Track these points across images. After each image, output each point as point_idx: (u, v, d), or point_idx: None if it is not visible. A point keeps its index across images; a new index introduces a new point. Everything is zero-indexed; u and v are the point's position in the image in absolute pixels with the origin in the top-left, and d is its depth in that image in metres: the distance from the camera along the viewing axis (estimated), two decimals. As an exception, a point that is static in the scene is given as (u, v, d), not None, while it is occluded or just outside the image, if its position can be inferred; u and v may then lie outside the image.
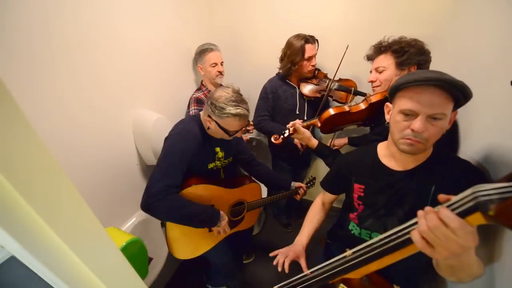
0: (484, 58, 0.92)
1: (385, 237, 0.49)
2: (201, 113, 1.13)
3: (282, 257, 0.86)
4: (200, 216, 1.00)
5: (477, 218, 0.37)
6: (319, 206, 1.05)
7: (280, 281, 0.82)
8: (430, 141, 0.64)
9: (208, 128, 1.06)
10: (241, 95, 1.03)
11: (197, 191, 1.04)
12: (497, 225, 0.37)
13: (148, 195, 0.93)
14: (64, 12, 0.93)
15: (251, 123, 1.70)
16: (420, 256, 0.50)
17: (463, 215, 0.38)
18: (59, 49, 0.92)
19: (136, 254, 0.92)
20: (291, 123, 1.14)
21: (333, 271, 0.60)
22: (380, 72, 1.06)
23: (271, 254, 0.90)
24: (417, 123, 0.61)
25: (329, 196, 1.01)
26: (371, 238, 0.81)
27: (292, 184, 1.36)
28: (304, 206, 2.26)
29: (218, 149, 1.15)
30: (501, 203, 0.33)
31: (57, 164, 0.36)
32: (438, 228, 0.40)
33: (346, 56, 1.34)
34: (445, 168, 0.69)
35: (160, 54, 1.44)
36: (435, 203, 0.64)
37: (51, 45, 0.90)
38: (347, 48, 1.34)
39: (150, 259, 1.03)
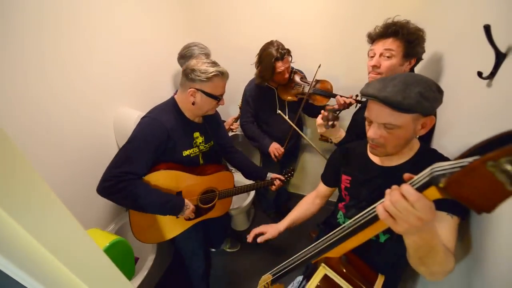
0: (453, 50, 0.97)
1: (358, 217, 0.56)
2: (176, 95, 1.08)
3: (252, 232, 0.98)
4: (162, 206, 0.98)
5: (433, 192, 0.41)
6: (310, 197, 1.06)
7: (266, 272, 0.85)
8: (389, 147, 0.67)
9: (193, 103, 1.01)
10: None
11: (164, 176, 1.01)
12: (450, 198, 0.40)
13: (103, 178, 0.90)
14: (42, 13, 0.89)
15: (234, 122, 1.70)
16: (404, 250, 0.55)
17: (420, 189, 0.42)
18: (37, 49, 0.88)
19: (121, 254, 0.91)
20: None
21: (315, 251, 0.68)
22: (388, 57, 0.94)
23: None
24: (369, 130, 0.68)
25: (324, 189, 1.01)
26: None
27: (268, 175, 1.37)
28: (293, 200, 2.32)
29: (197, 134, 1.12)
30: (450, 176, 0.37)
31: (30, 165, 0.35)
32: (398, 201, 0.43)
33: (325, 54, 1.36)
34: (426, 166, 0.70)
35: (141, 51, 1.40)
36: None
37: (27, 44, 0.86)
38: (319, 67, 1.38)
39: (137, 259, 1.02)
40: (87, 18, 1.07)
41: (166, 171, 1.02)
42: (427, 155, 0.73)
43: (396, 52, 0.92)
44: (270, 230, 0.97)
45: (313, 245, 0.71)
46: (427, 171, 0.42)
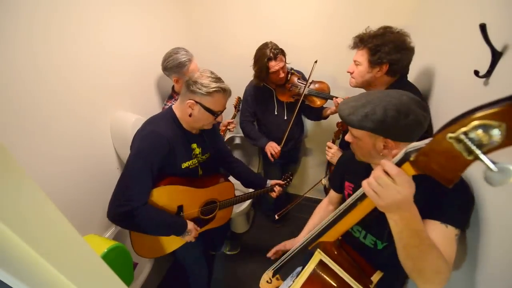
0: (449, 49, 0.98)
1: (347, 201, 0.60)
2: (175, 105, 1.06)
3: (274, 249, 1.03)
4: (167, 230, 1.02)
5: (407, 168, 0.45)
6: (323, 205, 1.07)
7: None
8: (357, 153, 0.75)
9: (190, 115, 0.99)
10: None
11: (164, 192, 1.01)
12: (422, 172, 0.44)
13: (117, 203, 0.89)
14: (38, 14, 0.89)
15: (233, 122, 1.71)
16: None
17: (398, 165, 0.47)
18: (32, 52, 0.87)
19: (119, 260, 0.90)
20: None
21: (311, 237, 0.73)
22: (357, 65, 1.08)
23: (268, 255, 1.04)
24: (346, 135, 0.75)
25: (335, 195, 1.01)
26: (352, 229, 0.85)
27: (268, 182, 1.37)
28: (293, 202, 2.31)
29: (194, 145, 1.10)
30: (419, 150, 0.43)
31: (22, 169, 0.34)
32: (380, 177, 0.47)
33: (321, 55, 1.37)
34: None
35: (138, 56, 1.39)
36: None
37: (25, 48, 0.85)
38: (316, 62, 1.39)
39: (135, 264, 1.01)
40: (85, 20, 1.06)
41: (167, 186, 1.01)
42: None
43: (361, 61, 1.04)
44: (288, 246, 1.01)
45: (310, 233, 0.75)
46: (403, 150, 0.47)
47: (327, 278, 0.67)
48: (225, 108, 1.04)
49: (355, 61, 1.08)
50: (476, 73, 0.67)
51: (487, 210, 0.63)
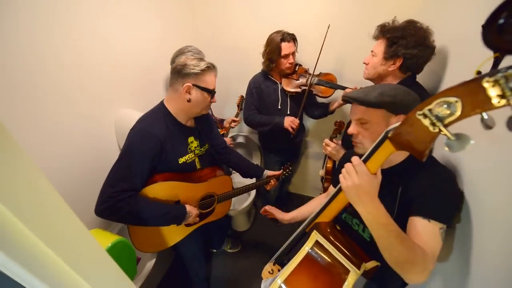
0: (452, 50, 0.97)
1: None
2: (166, 99, 1.04)
3: (268, 208, 1.17)
4: (163, 218, 0.98)
5: (388, 145, 0.53)
6: (322, 197, 1.08)
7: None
8: (366, 142, 0.73)
9: (189, 100, 0.97)
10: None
11: (161, 188, 1.00)
12: (400, 149, 0.50)
13: (101, 200, 0.88)
14: (48, 12, 0.90)
15: (236, 119, 1.71)
16: None
17: (380, 143, 0.55)
18: (39, 48, 0.89)
19: (123, 254, 0.91)
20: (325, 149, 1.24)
21: (307, 222, 0.78)
22: (372, 57, 1.07)
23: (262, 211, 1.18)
24: (350, 127, 0.77)
25: (333, 190, 1.03)
26: (352, 222, 0.88)
27: (265, 173, 1.36)
28: (294, 200, 2.32)
29: (192, 138, 1.10)
30: (396, 129, 0.51)
31: (35, 165, 0.35)
32: (348, 166, 0.59)
33: (326, 50, 1.38)
34: (415, 170, 0.71)
35: (143, 53, 1.41)
36: (401, 203, 0.70)
37: (31, 44, 0.86)
38: (328, 28, 1.36)
39: (139, 259, 1.03)
40: (91, 17, 1.07)
41: (164, 182, 1.01)
42: (415, 159, 0.73)
43: (377, 52, 1.04)
44: (277, 213, 1.14)
45: (308, 219, 0.80)
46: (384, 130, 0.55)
47: (322, 258, 0.70)
48: (215, 87, 1.04)
49: (372, 51, 1.07)
50: (479, 74, 0.67)
51: (482, 206, 0.65)
